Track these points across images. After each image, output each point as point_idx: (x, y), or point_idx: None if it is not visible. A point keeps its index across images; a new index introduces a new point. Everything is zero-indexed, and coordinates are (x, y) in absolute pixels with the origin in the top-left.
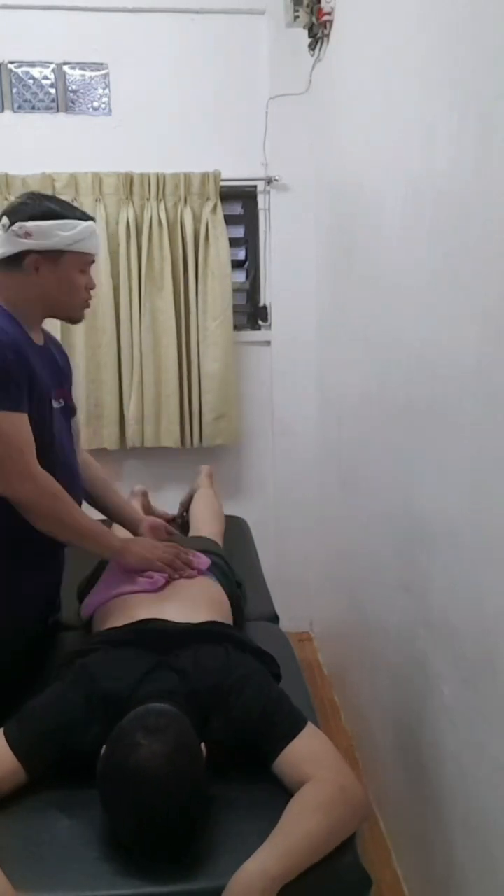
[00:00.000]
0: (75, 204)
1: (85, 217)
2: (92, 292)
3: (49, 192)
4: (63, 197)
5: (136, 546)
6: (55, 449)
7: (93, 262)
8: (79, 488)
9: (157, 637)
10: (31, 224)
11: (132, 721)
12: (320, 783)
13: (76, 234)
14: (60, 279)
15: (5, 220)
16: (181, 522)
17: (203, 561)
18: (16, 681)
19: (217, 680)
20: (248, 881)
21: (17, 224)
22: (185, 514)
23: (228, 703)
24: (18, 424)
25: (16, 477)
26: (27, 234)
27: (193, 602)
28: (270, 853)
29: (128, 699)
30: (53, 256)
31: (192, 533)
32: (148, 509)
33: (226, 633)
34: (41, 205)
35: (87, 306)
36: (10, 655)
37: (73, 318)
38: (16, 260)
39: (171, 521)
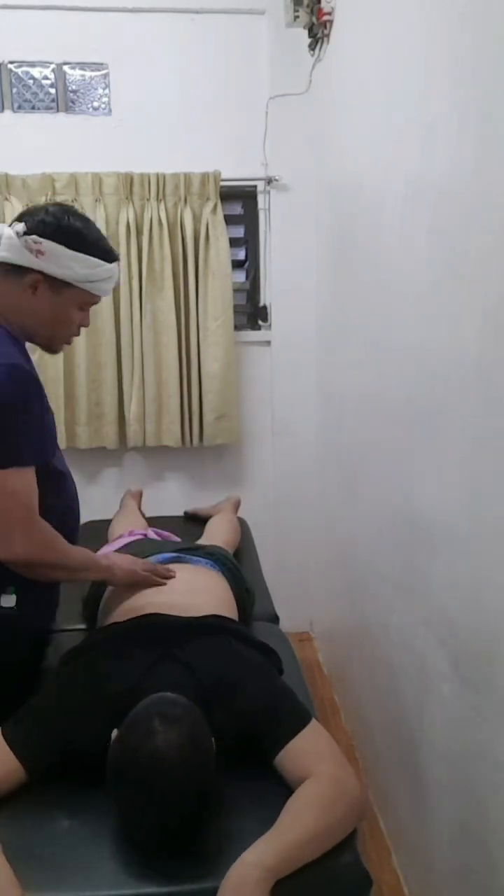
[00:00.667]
0: (98, 229)
1: (110, 257)
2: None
3: (47, 198)
4: (63, 197)
5: (122, 561)
6: (65, 474)
7: (96, 302)
8: (78, 506)
9: (159, 631)
10: (47, 244)
11: (147, 707)
12: (321, 780)
13: (92, 273)
14: (55, 309)
15: (22, 225)
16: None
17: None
18: (15, 685)
19: (222, 673)
20: (244, 872)
21: (34, 237)
22: (186, 513)
23: (233, 697)
24: (29, 480)
25: (20, 537)
26: (39, 253)
27: (197, 595)
28: (268, 846)
29: (132, 694)
30: (57, 285)
31: (203, 541)
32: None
33: (228, 627)
34: (68, 226)
35: (69, 343)
36: (15, 662)
37: (51, 348)
38: (18, 270)
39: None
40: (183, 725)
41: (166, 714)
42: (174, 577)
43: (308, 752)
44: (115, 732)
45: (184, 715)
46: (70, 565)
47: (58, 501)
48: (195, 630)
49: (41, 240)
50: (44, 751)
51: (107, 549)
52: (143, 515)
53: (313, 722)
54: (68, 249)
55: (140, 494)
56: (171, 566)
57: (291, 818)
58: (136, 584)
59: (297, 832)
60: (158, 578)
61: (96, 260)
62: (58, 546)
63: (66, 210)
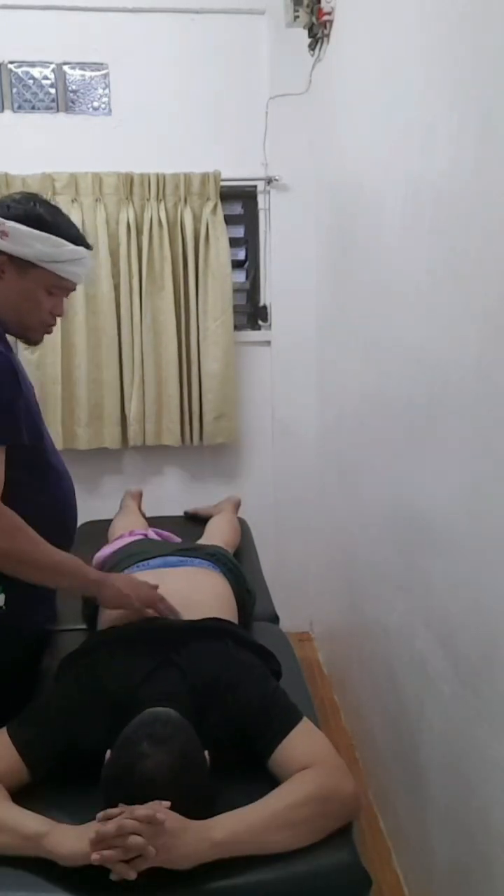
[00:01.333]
0: (79, 203)
1: (77, 241)
2: (80, 294)
3: (46, 197)
4: (62, 197)
5: (118, 581)
6: (60, 472)
7: (70, 289)
8: (74, 508)
9: (157, 635)
10: (9, 224)
11: (137, 729)
12: (311, 774)
13: (55, 252)
14: (23, 292)
15: None
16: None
17: None
18: (12, 685)
19: (216, 675)
20: (189, 840)
21: None
22: (187, 513)
23: (226, 698)
24: None
25: None
26: (3, 234)
27: (198, 596)
28: (227, 821)
29: (131, 699)
30: (22, 266)
31: (203, 541)
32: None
33: (226, 630)
34: (31, 209)
35: (48, 331)
36: (9, 662)
37: (28, 338)
38: None
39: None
40: (173, 744)
41: (156, 735)
42: (179, 617)
43: (301, 749)
44: (108, 755)
45: (174, 734)
46: (42, 564)
47: (51, 500)
48: (193, 634)
49: (4, 221)
50: (47, 751)
51: (107, 550)
52: (144, 515)
53: (305, 720)
54: (31, 229)
55: (140, 495)
56: (170, 571)
57: (264, 803)
58: (124, 608)
59: (263, 816)
60: (148, 610)
61: (59, 239)
62: (28, 539)
63: (35, 198)
